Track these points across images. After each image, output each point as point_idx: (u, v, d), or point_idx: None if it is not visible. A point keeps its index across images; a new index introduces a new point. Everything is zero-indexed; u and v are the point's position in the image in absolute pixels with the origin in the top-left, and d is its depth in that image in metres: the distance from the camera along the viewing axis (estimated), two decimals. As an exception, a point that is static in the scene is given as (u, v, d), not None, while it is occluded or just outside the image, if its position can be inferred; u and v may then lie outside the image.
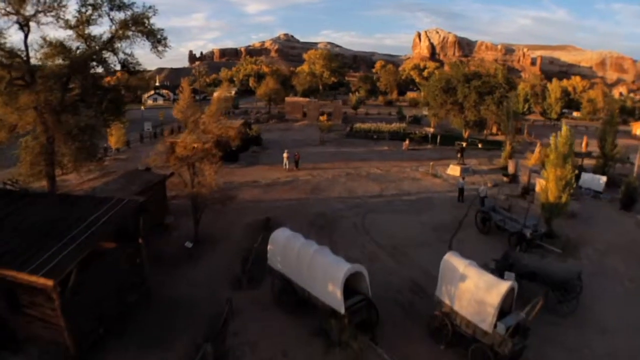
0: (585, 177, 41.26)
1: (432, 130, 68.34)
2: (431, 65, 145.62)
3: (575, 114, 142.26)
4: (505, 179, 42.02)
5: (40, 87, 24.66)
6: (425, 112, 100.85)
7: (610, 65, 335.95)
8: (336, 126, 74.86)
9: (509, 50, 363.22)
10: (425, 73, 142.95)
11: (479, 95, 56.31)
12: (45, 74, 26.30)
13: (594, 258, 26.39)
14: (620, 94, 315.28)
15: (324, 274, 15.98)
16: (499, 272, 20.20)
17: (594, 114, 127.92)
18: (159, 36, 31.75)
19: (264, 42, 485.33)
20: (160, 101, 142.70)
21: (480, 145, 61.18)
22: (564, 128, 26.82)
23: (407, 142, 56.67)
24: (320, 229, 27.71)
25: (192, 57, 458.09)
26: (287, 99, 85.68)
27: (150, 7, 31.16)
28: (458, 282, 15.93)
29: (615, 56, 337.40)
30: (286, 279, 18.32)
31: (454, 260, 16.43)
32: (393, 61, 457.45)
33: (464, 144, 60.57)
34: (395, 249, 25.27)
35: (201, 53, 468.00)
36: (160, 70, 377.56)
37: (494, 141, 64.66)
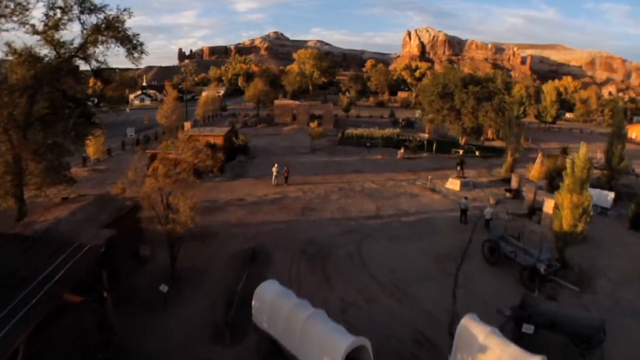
0: (592, 192, 39.03)
1: (426, 136, 66.02)
2: (423, 65, 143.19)
3: (568, 115, 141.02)
4: (507, 194, 39.69)
5: (3, 100, 22.10)
6: (417, 114, 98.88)
7: (599, 64, 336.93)
8: (327, 131, 72.34)
9: (499, 49, 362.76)
10: (417, 73, 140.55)
11: (477, 101, 54.00)
12: (9, 85, 23.49)
13: (609, 290, 24.23)
14: (610, 93, 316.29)
15: (321, 346, 13.33)
16: (516, 323, 17.89)
17: (587, 116, 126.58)
18: (134, 42, 28.78)
19: (253, 40, 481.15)
20: (148, 101, 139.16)
21: (477, 153, 59.00)
22: (582, 150, 24.42)
23: (401, 150, 54.21)
24: (311, 260, 25.05)
25: (181, 55, 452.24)
26: (276, 102, 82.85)
27: (125, 10, 28.42)
28: (477, 354, 13.39)
29: (604, 55, 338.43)
30: (274, 341, 15.64)
31: (472, 327, 13.87)
32: (383, 59, 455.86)
33: (461, 152, 58.50)
34: (395, 286, 22.68)
35: (191, 51, 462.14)
36: (148, 68, 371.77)
37: (492, 148, 62.58)
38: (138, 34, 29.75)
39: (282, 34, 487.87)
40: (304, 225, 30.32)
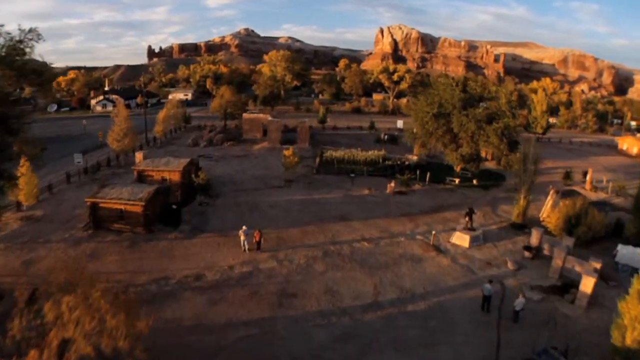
0: (623, 251, 32.52)
1: (415, 157, 58.90)
2: (402, 68, 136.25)
3: (551, 120, 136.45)
4: (526, 253, 32.64)
5: None
6: (400, 124, 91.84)
7: (572, 62, 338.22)
8: (303, 151, 64.46)
9: (472, 46, 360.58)
10: (395, 77, 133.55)
11: (477, 124, 47.10)
12: None
13: None
14: (582, 91, 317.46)
15: None
16: None
17: (572, 122, 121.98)
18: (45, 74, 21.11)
19: (224, 37, 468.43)
20: (110, 107, 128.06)
21: (475, 182, 52.08)
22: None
23: (392, 184, 46.72)
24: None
25: (151, 53, 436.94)
26: (245, 115, 74.39)
27: (30, 31, 20.54)
28: None
29: (577, 54, 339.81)
30: None
31: None
32: (354, 56, 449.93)
33: (457, 181, 51.64)
34: None
35: (160, 48, 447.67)
36: (116, 67, 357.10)
37: (488, 171, 55.87)
38: (48, 65, 22.36)
39: (252, 31, 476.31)
40: (281, 328, 22.43)
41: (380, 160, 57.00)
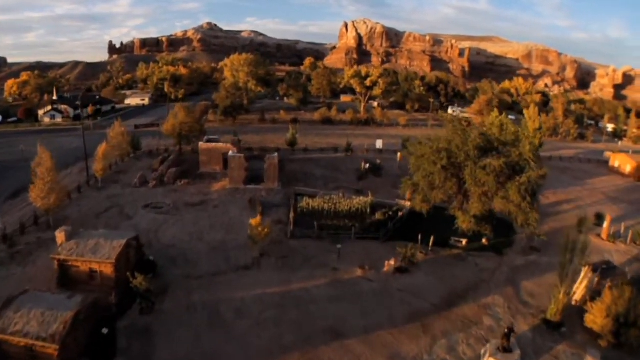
0: None
1: (408, 203, 49.03)
2: (375, 72, 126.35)
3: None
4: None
5: None
6: (380, 145, 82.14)
7: (536, 57, 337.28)
8: (272, 193, 53.90)
9: (437, 41, 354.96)
10: (367, 82, 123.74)
11: (497, 178, 37.62)
12: None
13: None
14: (546, 85, 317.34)
15: None
16: None
17: (553, 131, 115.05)
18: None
19: (186, 31, 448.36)
20: (59, 119, 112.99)
21: (485, 241, 42.77)
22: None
23: (391, 262, 36.61)
24: None
25: (111, 49, 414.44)
26: (202, 145, 62.70)
27: None
28: None
29: (541, 49, 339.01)
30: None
31: None
32: (318, 50, 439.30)
33: (464, 242, 42.17)
34: None
35: (122, 44, 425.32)
36: (74, 65, 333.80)
37: (500, 221, 46.15)
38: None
39: (215, 25, 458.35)
40: None
41: (368, 211, 47.02)
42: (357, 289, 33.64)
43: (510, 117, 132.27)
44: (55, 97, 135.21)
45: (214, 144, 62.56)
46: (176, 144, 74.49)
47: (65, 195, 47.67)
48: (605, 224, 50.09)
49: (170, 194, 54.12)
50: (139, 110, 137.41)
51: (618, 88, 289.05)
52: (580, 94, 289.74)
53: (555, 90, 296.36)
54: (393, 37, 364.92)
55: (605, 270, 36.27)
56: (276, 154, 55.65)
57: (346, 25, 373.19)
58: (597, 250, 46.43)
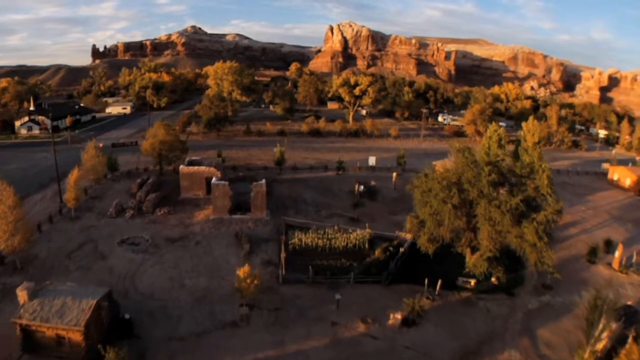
0: None
1: (409, 236, 45.18)
2: (364, 81, 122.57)
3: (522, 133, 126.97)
4: None
5: None
6: (372, 161, 78.30)
7: (521, 59, 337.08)
8: (260, 224, 49.74)
9: (422, 44, 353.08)
10: (356, 91, 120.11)
11: (512, 215, 33.97)
12: None
13: None
14: (532, 87, 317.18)
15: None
16: None
17: (547, 140, 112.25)
18: None
19: (170, 35, 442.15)
20: (37, 130, 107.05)
21: (495, 280, 39.18)
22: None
23: (398, 315, 32.66)
24: None
25: (95, 52, 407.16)
26: (183, 169, 58.07)
27: None
28: None
29: (526, 51, 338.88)
30: None
31: None
32: (303, 52, 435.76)
33: (473, 283, 38.56)
34: None
35: (105, 47, 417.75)
36: (57, 70, 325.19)
37: (507, 252, 42.56)
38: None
39: (199, 28, 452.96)
40: None
41: (366, 246, 43.14)
42: (361, 350, 29.69)
43: (501, 124, 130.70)
44: (32, 108, 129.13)
45: (195, 168, 58.08)
46: (156, 164, 69.89)
47: (32, 234, 42.88)
48: (617, 254, 46.88)
49: (149, 225, 49.60)
50: (120, 120, 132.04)
51: (604, 90, 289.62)
52: (566, 97, 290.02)
53: (542, 92, 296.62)
54: (379, 40, 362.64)
55: (627, 316, 32.92)
56: (264, 181, 51.38)
57: (331, 29, 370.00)
58: (608, 282, 43.24)
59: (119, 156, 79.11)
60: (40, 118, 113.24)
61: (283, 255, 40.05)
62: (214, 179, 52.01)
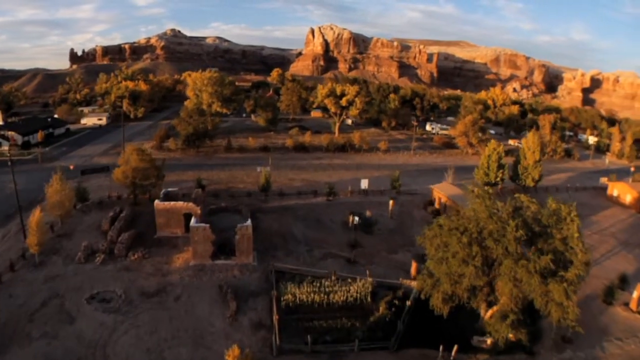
0: None
1: (414, 284, 40.60)
2: (351, 90, 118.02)
3: (511, 142, 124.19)
4: None
5: None
6: (365, 185, 73.72)
7: (504, 61, 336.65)
8: (245, 270, 44.69)
9: (404, 46, 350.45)
10: (343, 102, 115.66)
11: (539, 274, 29.73)
12: None
13: None
14: (514, 89, 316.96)
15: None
16: None
17: (540, 151, 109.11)
18: None
19: (149, 38, 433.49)
20: (5, 147, 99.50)
21: (512, 337, 34.79)
22: None
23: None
24: None
25: (73, 57, 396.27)
26: (158, 205, 52.33)
27: None
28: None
29: (509, 53, 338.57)
30: None
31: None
32: (283, 55, 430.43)
33: (489, 342, 34.29)
34: None
35: (83, 51, 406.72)
36: (33, 75, 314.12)
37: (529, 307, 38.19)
38: None
39: (179, 32, 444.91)
40: None
41: (369, 299, 38.55)
42: None
43: (491, 132, 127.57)
44: (1, 122, 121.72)
45: (172, 204, 52.61)
46: (130, 194, 64.13)
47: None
48: (635, 294, 43.10)
49: (122, 274, 44.02)
50: (95, 133, 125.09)
51: (586, 92, 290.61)
52: (548, 98, 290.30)
53: (524, 94, 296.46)
54: (360, 43, 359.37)
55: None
56: (249, 223, 46.20)
57: (313, 31, 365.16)
58: (629, 329, 39.55)
59: (90, 179, 73.41)
60: (10, 133, 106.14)
61: (276, 317, 35.08)
62: (193, 220, 46.68)
